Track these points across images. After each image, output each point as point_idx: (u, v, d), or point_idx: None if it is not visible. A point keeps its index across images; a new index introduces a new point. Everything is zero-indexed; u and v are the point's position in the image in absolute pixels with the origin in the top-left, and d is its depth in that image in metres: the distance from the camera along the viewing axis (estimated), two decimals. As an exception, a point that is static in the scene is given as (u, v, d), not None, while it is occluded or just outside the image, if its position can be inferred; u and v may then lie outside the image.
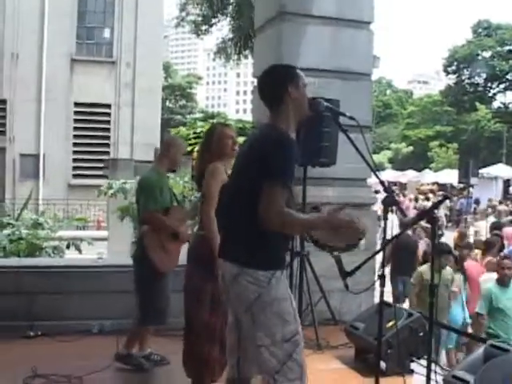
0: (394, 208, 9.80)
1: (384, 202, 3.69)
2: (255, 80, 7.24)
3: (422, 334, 5.64)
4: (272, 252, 3.27)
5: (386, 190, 3.65)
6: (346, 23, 7.49)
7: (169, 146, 5.54)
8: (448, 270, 8.50)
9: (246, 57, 40.77)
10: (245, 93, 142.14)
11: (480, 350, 4.84)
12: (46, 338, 6.29)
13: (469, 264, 9.29)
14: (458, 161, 25.54)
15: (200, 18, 36.97)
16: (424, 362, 5.71)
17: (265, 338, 3.20)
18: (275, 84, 3.41)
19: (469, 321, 8.67)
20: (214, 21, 36.91)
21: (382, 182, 3.66)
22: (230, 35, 38.18)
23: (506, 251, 10.56)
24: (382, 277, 3.93)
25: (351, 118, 3.69)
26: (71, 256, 9.04)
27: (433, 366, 5.70)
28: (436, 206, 3.48)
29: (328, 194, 7.15)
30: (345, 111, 3.79)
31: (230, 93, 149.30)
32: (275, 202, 3.09)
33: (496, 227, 13.34)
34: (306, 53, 7.25)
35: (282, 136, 3.24)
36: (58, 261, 7.91)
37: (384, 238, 4.07)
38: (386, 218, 3.71)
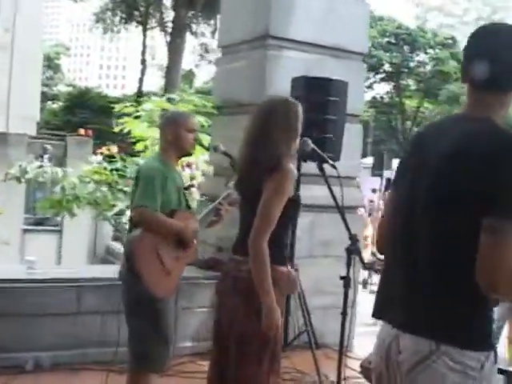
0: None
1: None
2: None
3: None
4: (487, 322, 2.03)
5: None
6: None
7: (163, 127, 4.04)
8: None
9: (126, 30, 38.85)
10: (108, 67, 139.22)
11: None
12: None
13: None
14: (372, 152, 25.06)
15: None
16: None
17: None
18: None
19: None
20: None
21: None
22: (111, 5, 36.15)
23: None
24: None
25: (333, 166, 3.79)
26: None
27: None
28: None
29: (316, 193, 5.87)
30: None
31: (92, 66, 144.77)
32: (509, 257, 1.83)
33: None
34: (296, 23, 5.97)
35: None
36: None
37: None
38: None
